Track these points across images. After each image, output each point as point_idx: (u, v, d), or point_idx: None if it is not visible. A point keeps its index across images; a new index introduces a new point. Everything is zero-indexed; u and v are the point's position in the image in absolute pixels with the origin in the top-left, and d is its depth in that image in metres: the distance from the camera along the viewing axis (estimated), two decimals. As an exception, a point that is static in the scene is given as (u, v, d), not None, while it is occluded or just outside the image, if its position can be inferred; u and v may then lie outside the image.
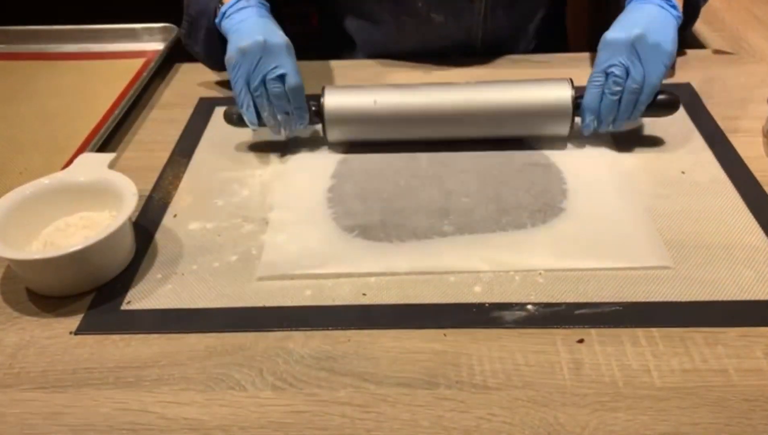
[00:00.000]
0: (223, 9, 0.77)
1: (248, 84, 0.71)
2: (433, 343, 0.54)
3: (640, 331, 0.54)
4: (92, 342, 0.56)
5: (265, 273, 0.61)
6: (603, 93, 0.69)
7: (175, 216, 0.69)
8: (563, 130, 0.73)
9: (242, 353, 0.54)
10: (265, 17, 0.76)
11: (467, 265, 0.61)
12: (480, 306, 0.57)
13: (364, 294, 0.59)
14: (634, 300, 0.57)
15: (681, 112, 0.80)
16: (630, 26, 0.69)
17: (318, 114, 0.74)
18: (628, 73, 0.68)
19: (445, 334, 0.55)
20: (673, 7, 0.72)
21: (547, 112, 0.72)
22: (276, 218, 0.68)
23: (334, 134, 0.75)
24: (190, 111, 0.86)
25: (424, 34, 0.91)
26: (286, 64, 0.71)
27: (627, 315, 0.55)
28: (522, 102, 0.72)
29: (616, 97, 0.69)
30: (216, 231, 0.67)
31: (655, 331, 0.54)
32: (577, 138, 0.75)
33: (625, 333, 0.54)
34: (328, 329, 0.56)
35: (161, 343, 0.55)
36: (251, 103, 0.72)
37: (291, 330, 0.56)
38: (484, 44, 0.93)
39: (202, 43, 0.84)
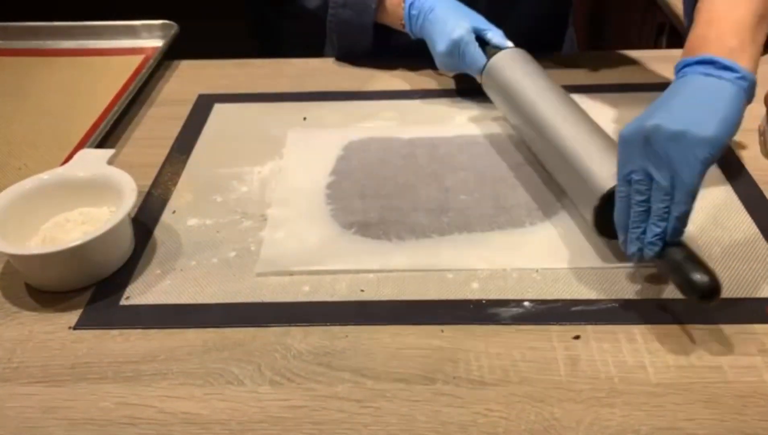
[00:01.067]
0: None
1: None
2: (430, 339, 0.54)
3: (635, 328, 0.54)
4: (91, 337, 0.56)
5: (263, 269, 0.61)
6: (629, 205, 0.54)
7: (174, 212, 0.69)
8: (587, 215, 0.61)
9: (241, 348, 0.54)
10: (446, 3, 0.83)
11: (465, 263, 0.61)
12: (477, 303, 0.57)
13: (362, 290, 0.59)
14: (630, 297, 0.57)
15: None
16: (649, 114, 0.54)
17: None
18: (651, 177, 0.53)
19: (442, 331, 0.55)
20: (727, 69, 0.54)
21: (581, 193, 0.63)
22: (274, 214, 0.68)
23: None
24: (189, 107, 0.87)
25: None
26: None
27: (623, 312, 0.56)
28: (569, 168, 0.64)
29: (642, 209, 0.53)
30: (215, 227, 0.67)
31: (650, 328, 0.54)
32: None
33: (621, 329, 0.54)
34: (326, 325, 0.56)
35: (160, 338, 0.56)
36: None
37: (289, 325, 0.56)
38: None
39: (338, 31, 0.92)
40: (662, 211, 0.52)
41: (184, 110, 0.86)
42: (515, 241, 0.63)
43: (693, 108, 0.53)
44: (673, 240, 0.52)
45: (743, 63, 0.54)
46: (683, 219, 0.52)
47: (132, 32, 1.03)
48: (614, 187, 0.56)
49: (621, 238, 0.56)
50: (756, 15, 0.57)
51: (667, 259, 0.53)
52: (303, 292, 0.59)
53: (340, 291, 0.59)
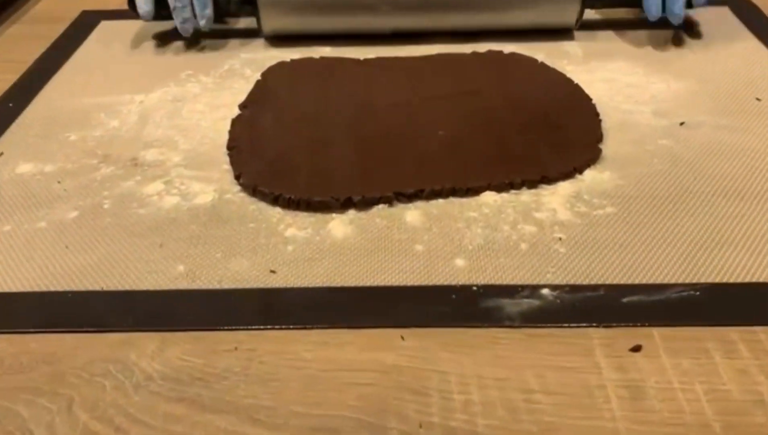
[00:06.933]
0: None
1: None
2: (380, 353, 0.34)
3: (734, 332, 0.35)
4: None
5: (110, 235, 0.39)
6: None
7: (0, 154, 0.47)
8: (570, 17, 0.60)
9: (46, 369, 0.33)
10: None
11: (441, 228, 0.40)
12: (464, 289, 0.37)
13: (272, 271, 0.38)
14: (720, 280, 0.37)
15: (746, 31, 0.62)
16: None
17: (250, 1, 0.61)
18: None
19: (402, 337, 0.34)
20: None
21: None
22: (151, 159, 0.46)
23: (269, 22, 0.61)
24: (66, 26, 0.69)
25: None
26: None
27: (710, 304, 0.36)
28: None
29: None
30: (55, 175, 0.47)
31: (761, 333, 0.34)
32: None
33: (709, 335, 0.34)
34: (203, 329, 0.35)
35: None
36: None
37: (136, 330, 0.35)
38: None
39: None
40: None
41: (59, 29, 0.67)
42: (529, 196, 0.42)
43: None
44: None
45: None
46: None
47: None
48: None
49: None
50: None
51: None
52: (172, 274, 0.37)
53: (236, 272, 0.38)
